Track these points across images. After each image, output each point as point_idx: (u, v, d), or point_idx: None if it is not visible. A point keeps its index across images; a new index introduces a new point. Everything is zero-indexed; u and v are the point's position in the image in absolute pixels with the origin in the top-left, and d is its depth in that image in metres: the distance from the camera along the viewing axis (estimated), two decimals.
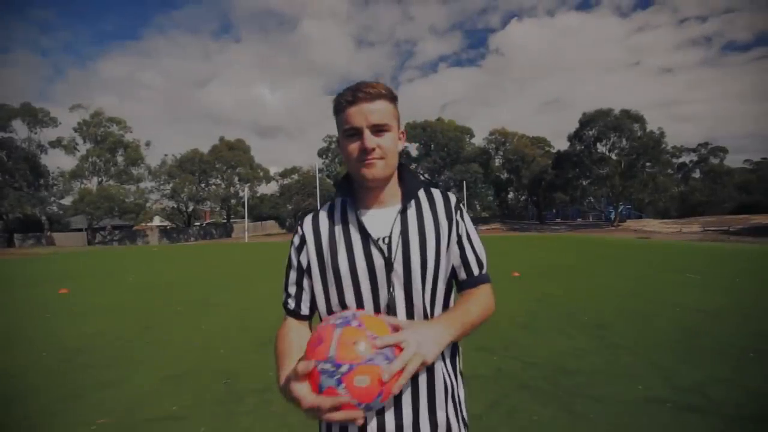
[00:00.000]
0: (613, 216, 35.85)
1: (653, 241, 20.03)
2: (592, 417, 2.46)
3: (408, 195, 0.91)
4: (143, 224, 44.38)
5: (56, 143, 36.32)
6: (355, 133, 0.84)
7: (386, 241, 0.87)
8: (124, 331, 4.89)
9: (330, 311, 0.90)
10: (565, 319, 4.79)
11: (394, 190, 0.93)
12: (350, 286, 0.87)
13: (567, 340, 3.99)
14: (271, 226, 50.72)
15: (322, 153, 53.53)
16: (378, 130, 0.84)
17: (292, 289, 0.95)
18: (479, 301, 0.91)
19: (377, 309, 0.86)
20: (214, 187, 41.98)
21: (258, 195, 46.61)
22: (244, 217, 46.78)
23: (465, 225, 0.94)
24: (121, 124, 37.47)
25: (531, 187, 42.71)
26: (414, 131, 42.52)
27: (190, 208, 42.90)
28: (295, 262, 0.94)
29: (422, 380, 0.84)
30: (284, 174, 45.78)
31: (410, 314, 0.86)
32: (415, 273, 0.86)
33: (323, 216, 0.94)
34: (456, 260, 0.92)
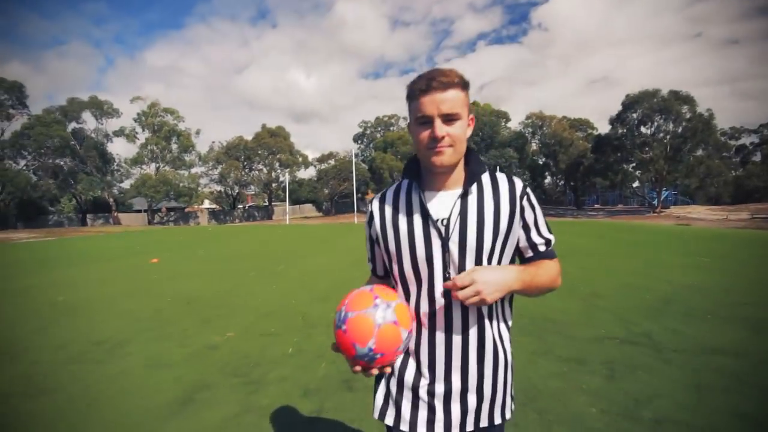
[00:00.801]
0: (656, 202, 34.61)
1: (692, 227, 19.70)
2: (556, 344, 3.53)
3: (470, 179, 0.94)
4: (194, 206, 48.22)
5: (119, 132, 40.11)
6: (427, 121, 0.88)
7: (444, 222, 0.92)
8: (216, 289, 6.43)
9: (395, 278, 1.01)
10: (566, 289, 5.73)
11: (459, 174, 0.96)
12: (409, 264, 0.95)
13: (560, 302, 4.98)
14: (309, 209, 53.20)
15: (357, 138, 54.87)
16: (449, 119, 0.87)
17: (369, 255, 1.11)
18: (548, 268, 0.98)
19: (431, 286, 0.93)
20: (257, 172, 44.66)
21: (296, 180, 48.96)
22: (283, 201, 49.52)
23: (533, 210, 0.98)
24: (175, 114, 40.64)
25: (568, 172, 41.82)
26: None
27: (236, 192, 45.94)
28: (367, 234, 1.08)
29: (472, 349, 0.95)
30: (321, 159, 47.67)
31: (467, 313, 0.94)
32: (470, 254, 0.91)
33: (390, 196, 1.02)
34: (523, 243, 1.00)
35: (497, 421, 1.02)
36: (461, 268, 0.92)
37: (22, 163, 34.42)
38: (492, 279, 0.85)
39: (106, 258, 11.46)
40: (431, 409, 0.98)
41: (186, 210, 49.71)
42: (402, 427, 1.00)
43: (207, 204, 53.06)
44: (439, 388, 0.98)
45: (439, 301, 0.95)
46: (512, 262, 1.01)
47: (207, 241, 17.08)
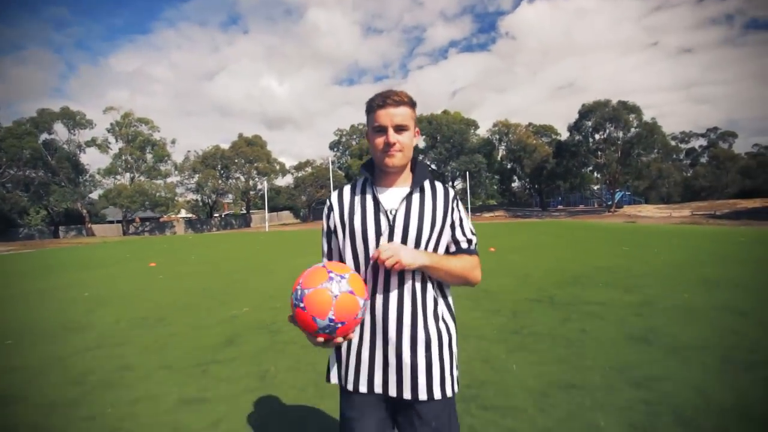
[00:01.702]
0: (610, 202, 37.67)
1: (636, 225, 22.15)
2: (484, 303, 4.99)
3: (416, 182, 1.15)
4: (169, 216, 47.88)
5: (91, 143, 39.65)
6: (382, 130, 1.08)
7: (392, 213, 1.11)
8: (221, 283, 7.59)
9: (354, 255, 1.14)
10: (507, 272, 7.29)
11: (406, 176, 1.17)
12: (361, 244, 1.12)
13: (499, 280, 6.48)
14: (287, 216, 53.79)
15: (333, 146, 56.08)
16: (399, 129, 1.09)
17: (326, 249, 1.23)
18: (462, 260, 1.14)
19: (375, 265, 1.09)
20: (234, 180, 45.04)
21: (274, 187, 49.59)
22: (260, 209, 49.95)
23: (459, 212, 1.18)
24: (150, 123, 40.59)
25: (533, 176, 44.62)
26: (421, 125, 44.53)
27: (213, 201, 46.08)
28: (325, 227, 1.22)
29: (407, 322, 1.10)
30: (298, 167, 48.58)
31: (401, 273, 1.10)
32: (410, 242, 1.10)
33: (347, 190, 1.21)
34: (448, 239, 1.17)
35: (437, 395, 1.10)
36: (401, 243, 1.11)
37: None
38: (408, 249, 1.04)
39: (103, 264, 12.22)
40: (367, 369, 1.12)
41: (161, 220, 49.25)
42: (348, 387, 1.15)
43: (183, 213, 52.69)
44: (379, 354, 1.11)
45: (381, 276, 1.10)
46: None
47: (192, 248, 17.87)
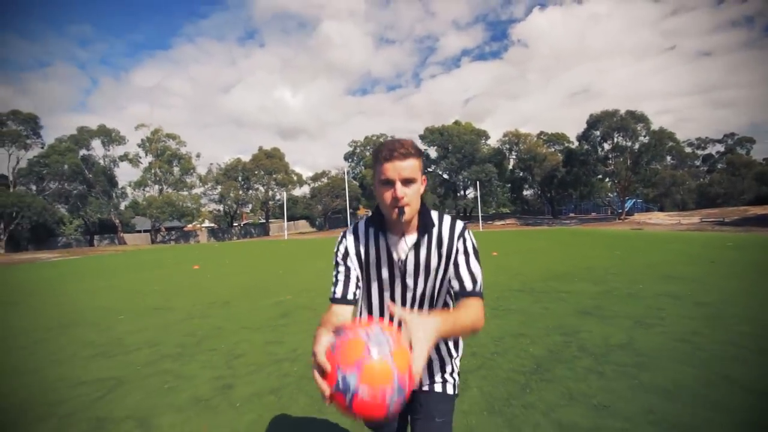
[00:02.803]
0: (620, 210, 38.18)
1: (641, 231, 22.93)
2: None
3: (422, 231, 1.20)
4: (194, 225, 50.38)
5: (123, 157, 42.50)
6: (389, 183, 1.12)
7: (401, 264, 1.23)
8: (261, 280, 9.10)
9: (369, 302, 1.30)
10: (503, 271, 8.57)
11: (414, 222, 1.21)
12: (381, 288, 1.28)
13: (494, 277, 7.79)
14: (303, 225, 55.76)
15: (347, 157, 58.04)
16: (407, 182, 1.11)
17: (343, 280, 1.25)
18: (469, 312, 1.11)
19: (392, 299, 1.27)
20: (254, 191, 47.28)
21: (291, 198, 51.68)
22: (277, 218, 51.99)
23: (466, 247, 1.21)
24: (177, 138, 43.28)
25: (543, 184, 45.42)
26: (432, 135, 46.12)
27: (234, 210, 48.38)
28: (342, 265, 1.27)
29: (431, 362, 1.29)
30: (315, 178, 50.58)
31: (413, 305, 1.26)
32: (419, 288, 1.25)
33: (361, 236, 1.28)
34: (452, 275, 1.20)
35: (437, 389, 1.32)
36: (412, 291, 1.26)
37: (33, 189, 36.54)
38: (429, 337, 0.91)
39: (153, 267, 13.95)
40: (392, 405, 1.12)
41: (185, 229, 51.80)
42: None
43: (206, 223, 55.25)
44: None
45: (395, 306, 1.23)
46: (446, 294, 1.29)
47: (223, 254, 19.60)
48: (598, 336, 3.83)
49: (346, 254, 1.28)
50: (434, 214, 1.27)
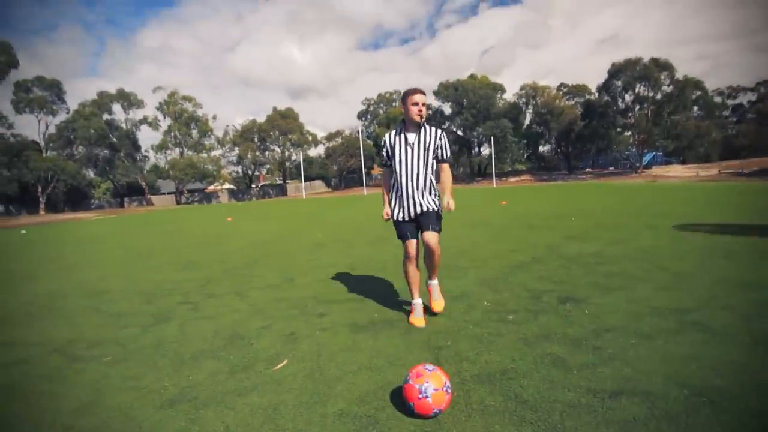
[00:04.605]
0: (638, 164, 37.70)
1: (654, 183, 23.13)
2: (485, 228, 7.27)
3: (421, 130, 2.64)
4: (214, 187, 52.15)
5: (143, 121, 43.59)
6: (416, 104, 2.55)
7: (411, 143, 2.62)
8: (290, 228, 10.26)
9: (399, 164, 2.67)
10: (509, 214, 9.46)
11: (418, 126, 2.64)
12: (397, 158, 2.67)
13: (500, 219, 8.70)
14: (319, 185, 56.86)
15: (361, 115, 57.64)
16: (423, 104, 2.57)
17: (386, 159, 2.77)
18: (447, 174, 2.73)
19: (405, 167, 2.64)
20: (270, 152, 48.17)
21: (307, 158, 52.45)
22: (293, 178, 53.14)
23: (442, 141, 2.65)
24: (193, 101, 43.86)
25: (560, 139, 44.71)
26: (447, 91, 45.23)
27: (255, 172, 49.66)
28: (384, 149, 2.77)
29: (420, 188, 2.66)
30: (329, 137, 50.88)
31: (419, 171, 2.64)
32: (420, 157, 2.62)
33: (393, 134, 2.71)
34: (438, 149, 2.65)
35: (431, 209, 2.67)
36: (419, 162, 2.63)
37: (64, 153, 38.38)
38: (452, 200, 2.63)
39: (193, 220, 15.37)
40: (405, 209, 2.70)
41: (206, 190, 53.73)
42: (399, 219, 2.74)
43: (226, 185, 57.01)
44: (409, 202, 2.68)
45: (410, 171, 2.64)
46: (434, 158, 2.70)
47: (248, 210, 20.98)
48: (575, 250, 4.77)
49: (384, 144, 2.81)
50: (426, 124, 2.69)
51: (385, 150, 2.79)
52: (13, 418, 1.87)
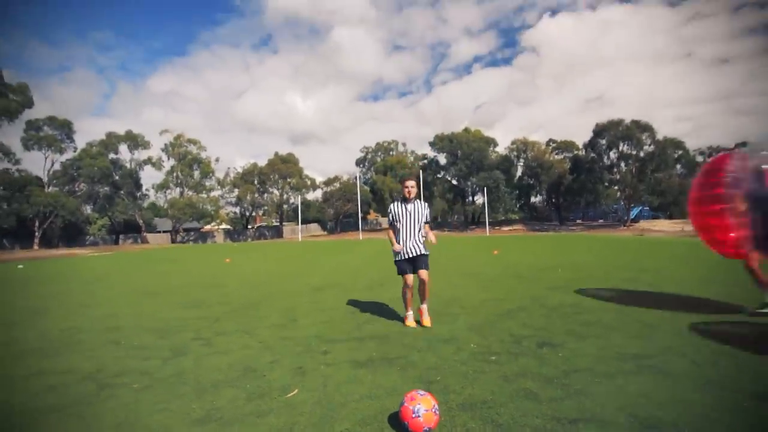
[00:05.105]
0: (626, 217, 38.90)
1: (642, 237, 23.90)
2: (475, 279, 7.67)
3: (415, 202, 4.15)
4: (212, 226, 52.39)
5: (147, 161, 44.79)
6: (407, 187, 4.10)
7: (409, 210, 4.09)
8: (290, 270, 10.57)
9: (401, 225, 4.12)
10: (500, 264, 9.90)
11: (413, 199, 4.14)
12: (400, 221, 4.10)
13: (491, 269, 9.12)
14: (315, 228, 57.35)
15: (359, 162, 59.60)
16: (412, 187, 4.09)
17: (391, 219, 4.21)
18: (428, 228, 4.22)
19: (406, 228, 4.10)
20: (269, 195, 49.14)
21: (304, 202, 53.40)
22: (290, 221, 53.72)
23: (427, 210, 4.17)
24: (197, 144, 45.46)
25: (550, 191, 46.31)
26: (442, 142, 47.44)
27: (251, 213, 50.24)
28: (390, 213, 4.19)
29: (417, 240, 4.09)
30: (327, 182, 52.23)
31: (415, 231, 4.10)
32: (415, 220, 4.07)
33: (396, 204, 4.19)
34: (425, 216, 4.12)
35: (424, 252, 4.09)
36: (413, 222, 4.12)
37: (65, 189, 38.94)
38: (434, 239, 4.41)
39: (192, 260, 15.57)
40: (405, 252, 4.09)
41: (202, 230, 53.89)
42: (400, 258, 4.14)
43: (222, 225, 57.30)
44: (410, 248, 4.09)
45: (408, 228, 4.09)
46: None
47: (245, 251, 21.20)
48: (557, 300, 5.17)
49: (390, 211, 4.19)
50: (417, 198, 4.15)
51: (391, 214, 4.18)
52: None
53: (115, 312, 5.41)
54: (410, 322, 4.14)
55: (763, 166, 3.96)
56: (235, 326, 4.34)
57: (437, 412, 2.00)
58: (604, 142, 37.24)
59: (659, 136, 35.68)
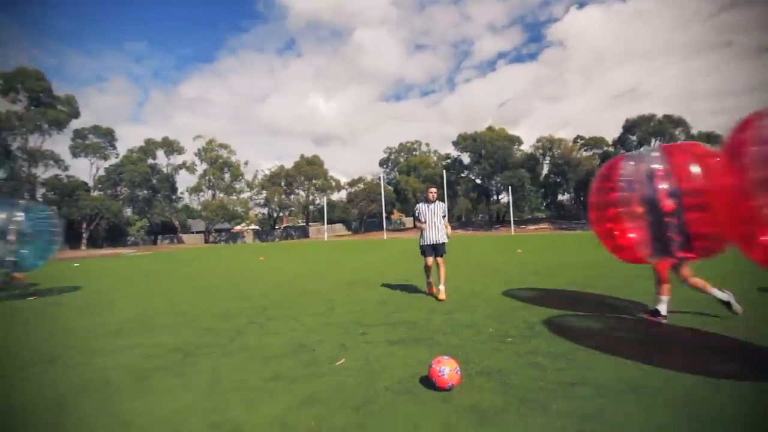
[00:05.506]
0: None
1: None
2: (494, 275, 8.07)
3: (437, 201, 5.77)
4: (240, 227, 54.54)
5: (182, 165, 47.22)
6: (431, 192, 5.80)
7: (433, 209, 5.70)
8: (321, 267, 11.27)
9: (421, 221, 5.72)
10: (519, 263, 10.21)
11: (435, 199, 5.80)
12: (425, 217, 5.64)
13: (511, 268, 9.46)
14: (340, 228, 58.56)
15: (382, 163, 60.32)
16: (435, 192, 5.81)
17: (416, 215, 5.82)
18: (446, 222, 5.74)
19: (432, 222, 5.66)
20: (296, 196, 50.66)
21: (329, 202, 54.67)
22: (315, 221, 55.09)
23: (445, 209, 5.77)
24: (228, 148, 47.49)
25: (578, 189, 45.35)
26: (465, 142, 47.43)
27: (279, 214, 51.95)
28: (417, 211, 5.79)
29: (441, 232, 5.71)
30: (352, 183, 53.26)
31: (436, 224, 5.67)
32: (437, 216, 5.65)
33: (422, 204, 5.78)
34: (444, 212, 5.73)
35: (445, 240, 5.70)
36: (435, 218, 5.68)
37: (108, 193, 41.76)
38: (449, 232, 5.84)
39: (229, 258, 16.64)
40: (429, 240, 5.67)
41: (233, 230, 56.19)
42: (424, 244, 5.75)
43: (251, 225, 59.51)
44: (432, 237, 5.67)
45: (431, 225, 5.64)
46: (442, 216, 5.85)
47: (277, 250, 22.23)
48: (570, 294, 5.54)
49: (417, 209, 5.82)
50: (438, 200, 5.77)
51: (418, 212, 5.72)
52: (164, 387, 2.82)
53: (175, 302, 6.20)
54: (430, 288, 5.85)
55: (653, 167, 3.83)
56: (281, 314, 4.99)
57: (458, 372, 2.52)
58: (634, 138, 36.25)
59: (694, 131, 34.39)
